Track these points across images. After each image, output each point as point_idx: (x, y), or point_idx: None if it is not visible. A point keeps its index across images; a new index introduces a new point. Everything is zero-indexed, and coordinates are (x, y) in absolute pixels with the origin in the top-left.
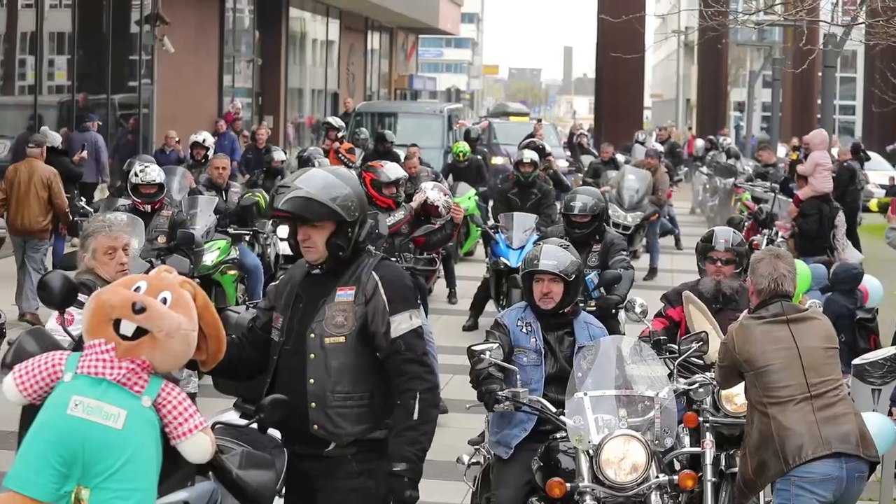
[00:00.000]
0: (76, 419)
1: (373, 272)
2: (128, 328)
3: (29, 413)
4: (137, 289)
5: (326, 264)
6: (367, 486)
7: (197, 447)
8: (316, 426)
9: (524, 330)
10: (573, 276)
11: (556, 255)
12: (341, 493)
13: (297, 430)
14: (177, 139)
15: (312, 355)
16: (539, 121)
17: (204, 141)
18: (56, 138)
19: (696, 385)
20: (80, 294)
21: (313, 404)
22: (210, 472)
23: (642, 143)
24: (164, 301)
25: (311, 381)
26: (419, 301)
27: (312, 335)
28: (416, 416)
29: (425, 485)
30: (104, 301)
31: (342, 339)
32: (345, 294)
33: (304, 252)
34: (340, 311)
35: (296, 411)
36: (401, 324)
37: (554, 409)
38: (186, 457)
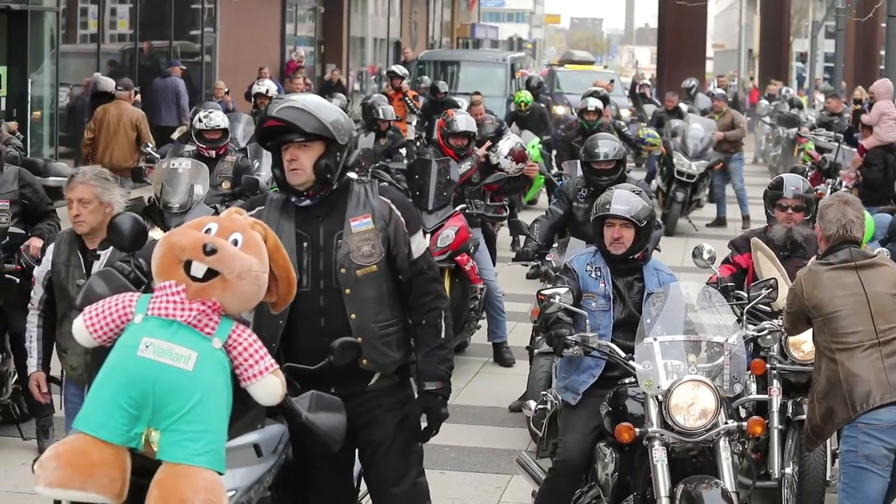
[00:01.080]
0: (147, 361)
1: (380, 196)
2: (199, 270)
3: (99, 356)
4: (208, 230)
5: (313, 189)
6: (410, 413)
7: (267, 389)
8: (366, 360)
9: (593, 275)
10: (645, 221)
11: (628, 200)
12: (389, 425)
13: (337, 369)
14: (226, 90)
15: (348, 290)
16: (612, 81)
17: (267, 91)
18: (109, 84)
19: (765, 332)
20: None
21: (360, 339)
22: (280, 415)
23: (690, 91)
24: (235, 243)
25: (353, 316)
26: (478, 244)
27: (343, 270)
28: (443, 335)
29: (490, 432)
30: (175, 243)
31: (374, 267)
32: (361, 223)
33: (291, 175)
34: (365, 240)
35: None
36: (419, 244)
37: (623, 354)
38: (257, 399)
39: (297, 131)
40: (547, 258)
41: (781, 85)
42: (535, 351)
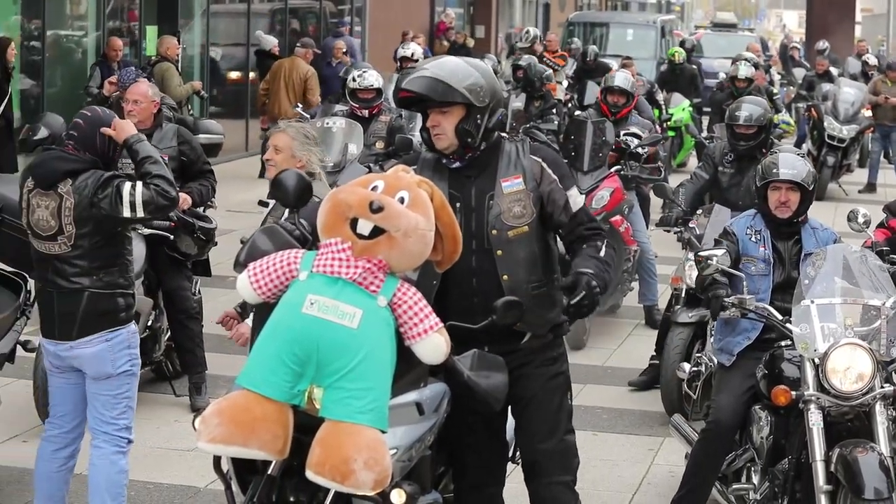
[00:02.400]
0: (311, 318)
1: (531, 156)
2: (365, 227)
3: (262, 312)
4: (375, 188)
5: (458, 153)
6: (564, 370)
7: (431, 348)
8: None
9: (753, 238)
10: (811, 185)
11: (794, 164)
12: (543, 378)
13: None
14: (344, 50)
15: (499, 251)
16: (770, 57)
17: (412, 55)
18: (269, 41)
19: None
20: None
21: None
22: (441, 373)
23: (823, 52)
24: (402, 200)
25: (505, 277)
26: (632, 206)
27: (494, 231)
28: (602, 253)
29: (642, 394)
30: (341, 200)
31: (525, 228)
32: (513, 184)
33: (435, 140)
34: (516, 201)
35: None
36: (576, 198)
37: (780, 317)
38: (420, 357)
39: (430, 101)
40: (690, 225)
41: None
42: (674, 320)
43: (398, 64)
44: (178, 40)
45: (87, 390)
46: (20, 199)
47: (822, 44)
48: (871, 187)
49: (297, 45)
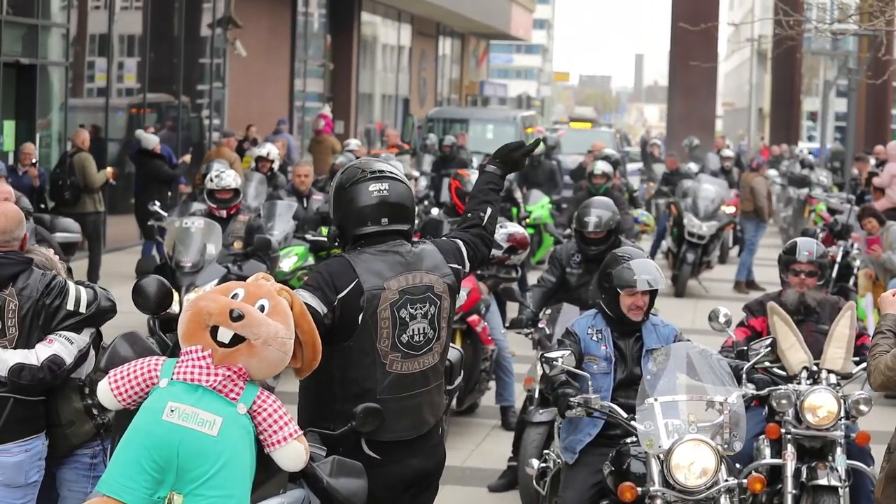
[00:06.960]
0: (171, 425)
1: None
2: (225, 335)
3: (123, 418)
4: (235, 296)
5: None
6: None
7: (291, 455)
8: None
9: (595, 338)
10: (658, 286)
11: (650, 270)
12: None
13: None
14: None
15: None
16: (625, 156)
17: (268, 154)
18: (151, 141)
19: (767, 391)
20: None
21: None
22: (300, 479)
23: (691, 147)
24: (262, 309)
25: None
26: (489, 305)
27: None
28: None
29: (500, 495)
30: (202, 308)
31: None
32: None
33: None
34: None
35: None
36: None
37: (625, 415)
38: (280, 465)
39: None
40: (540, 325)
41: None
42: (528, 420)
43: (256, 165)
44: (37, 137)
45: None
46: None
47: (693, 140)
48: (738, 285)
49: (220, 135)
